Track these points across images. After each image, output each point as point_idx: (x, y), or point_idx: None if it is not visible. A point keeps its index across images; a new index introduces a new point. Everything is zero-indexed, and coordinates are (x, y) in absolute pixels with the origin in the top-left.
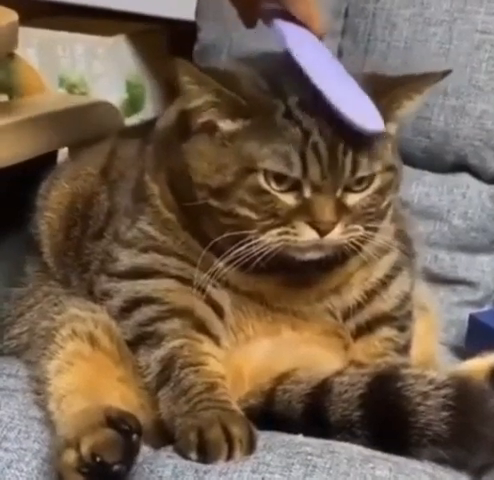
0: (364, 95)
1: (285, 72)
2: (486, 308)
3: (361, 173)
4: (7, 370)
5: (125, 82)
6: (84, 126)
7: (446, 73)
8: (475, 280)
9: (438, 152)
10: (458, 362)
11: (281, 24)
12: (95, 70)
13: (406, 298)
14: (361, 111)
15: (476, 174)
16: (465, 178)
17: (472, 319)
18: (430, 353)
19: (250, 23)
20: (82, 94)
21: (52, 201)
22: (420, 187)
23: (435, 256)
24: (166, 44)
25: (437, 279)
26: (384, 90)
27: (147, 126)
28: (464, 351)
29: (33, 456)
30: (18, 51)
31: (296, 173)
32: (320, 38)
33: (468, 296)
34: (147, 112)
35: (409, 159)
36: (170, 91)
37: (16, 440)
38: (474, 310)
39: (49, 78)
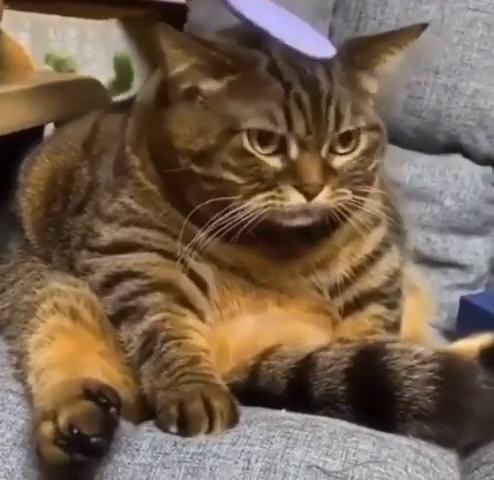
0: (312, 30)
1: (259, 36)
2: (478, 291)
3: (345, 126)
4: None
5: (113, 60)
6: (69, 102)
7: (424, 26)
8: (467, 263)
9: (430, 132)
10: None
11: None
12: (86, 54)
13: (396, 274)
14: (312, 43)
15: (468, 155)
16: (457, 159)
17: (463, 301)
18: (419, 331)
19: None
20: (70, 71)
21: (33, 177)
22: (412, 168)
23: (427, 238)
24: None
25: (429, 262)
26: (363, 47)
27: (130, 101)
28: (454, 335)
29: (8, 428)
30: (10, 34)
31: (281, 129)
32: None
33: (460, 279)
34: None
35: (400, 139)
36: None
37: None
38: (465, 293)
39: (38, 57)
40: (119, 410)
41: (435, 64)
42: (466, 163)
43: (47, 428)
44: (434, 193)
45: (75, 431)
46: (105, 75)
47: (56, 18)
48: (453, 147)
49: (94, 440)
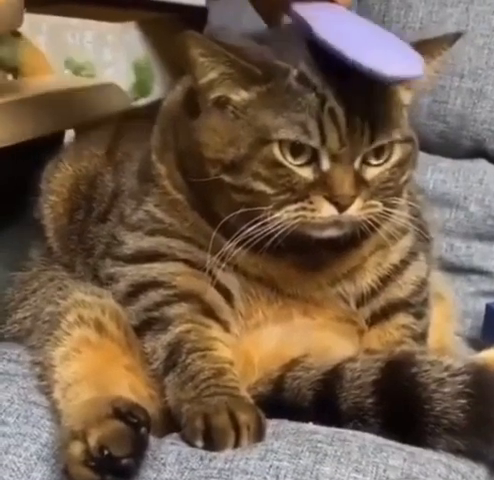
0: (403, 44)
1: (290, 43)
2: None
3: (380, 140)
4: (8, 355)
5: (132, 64)
6: (90, 107)
7: (458, 35)
8: (492, 269)
9: (454, 137)
10: (474, 354)
11: (299, 9)
12: (105, 57)
13: (423, 284)
14: (389, 59)
15: None
16: (482, 164)
17: (489, 309)
18: (446, 342)
19: (275, 23)
20: (89, 76)
21: (55, 184)
22: (436, 173)
23: (451, 245)
24: (177, 31)
25: (452, 268)
26: None
27: (153, 107)
28: (480, 343)
29: (32, 441)
30: (28, 38)
31: (314, 141)
32: (348, 8)
33: (484, 286)
34: (155, 96)
35: (424, 144)
36: (178, 75)
37: (15, 425)
38: (490, 300)
39: (57, 62)
40: (149, 429)
41: (460, 68)
42: (491, 168)
43: (76, 448)
44: (458, 199)
45: (106, 452)
46: (124, 79)
47: (74, 21)
48: (478, 152)
49: (125, 462)
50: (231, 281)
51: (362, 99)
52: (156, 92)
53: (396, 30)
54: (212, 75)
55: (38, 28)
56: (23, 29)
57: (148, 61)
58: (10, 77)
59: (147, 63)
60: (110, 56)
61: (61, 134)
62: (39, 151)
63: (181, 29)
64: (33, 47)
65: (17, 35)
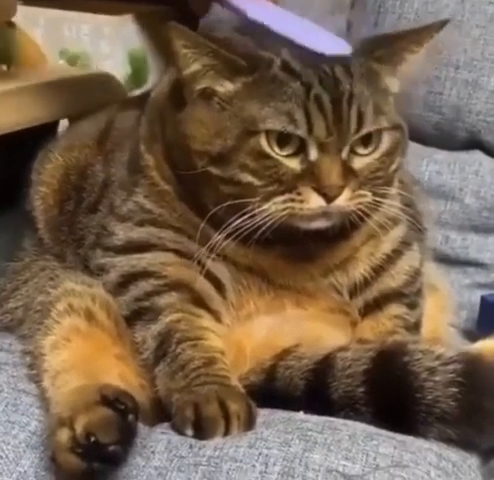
0: (323, 29)
1: (269, 33)
2: None
3: (367, 127)
4: None
5: (129, 57)
6: (84, 97)
7: (445, 22)
8: (487, 261)
9: (450, 128)
10: (469, 346)
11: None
12: (101, 49)
13: (416, 274)
14: (325, 42)
15: (489, 151)
16: (478, 155)
17: (484, 301)
18: (439, 332)
19: (203, 11)
20: (84, 66)
21: (46, 175)
22: (431, 165)
23: (446, 237)
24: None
25: (448, 261)
26: (383, 45)
27: (145, 97)
28: (475, 335)
29: (21, 429)
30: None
31: (301, 130)
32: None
33: (480, 278)
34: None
35: (420, 136)
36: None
37: (3, 413)
38: (486, 292)
39: (53, 55)
40: (137, 417)
41: (455, 59)
42: (487, 160)
43: (63, 435)
44: (454, 190)
45: (92, 439)
46: (120, 71)
47: (71, 14)
48: (473, 143)
49: (112, 448)
50: (222, 271)
51: (348, 86)
52: (151, 83)
53: (392, 21)
54: (195, 67)
55: (35, 21)
56: (20, 22)
57: (144, 54)
58: (4, 67)
59: (143, 56)
60: (107, 49)
61: (55, 124)
62: (33, 141)
63: (177, 22)
64: (27, 37)
65: (11, 26)
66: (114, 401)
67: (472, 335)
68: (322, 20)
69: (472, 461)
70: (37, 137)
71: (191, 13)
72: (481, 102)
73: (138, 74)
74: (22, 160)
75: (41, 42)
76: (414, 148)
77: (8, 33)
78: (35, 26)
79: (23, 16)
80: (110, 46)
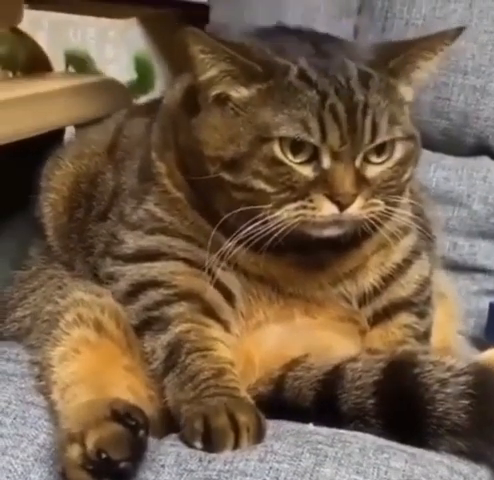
0: None
1: (290, 40)
2: None
3: (381, 137)
4: (6, 354)
5: (134, 61)
6: (91, 104)
7: (460, 30)
8: None
9: (458, 134)
10: (477, 353)
11: None
12: (106, 53)
13: (425, 283)
14: None
15: None
16: (486, 161)
17: (492, 308)
18: (449, 341)
19: None
20: (90, 72)
21: (55, 182)
22: (439, 171)
23: (454, 243)
24: (178, 28)
25: (455, 267)
26: (397, 53)
27: (154, 104)
28: (483, 342)
29: (29, 442)
30: (28, 34)
31: (315, 138)
32: None
33: (488, 285)
34: (157, 92)
35: (427, 142)
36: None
37: (12, 425)
38: None
39: (58, 59)
40: (147, 432)
41: (463, 65)
42: None
43: (74, 452)
44: (461, 196)
45: (104, 456)
46: (125, 75)
47: (75, 17)
48: (481, 149)
49: (123, 465)
50: (232, 281)
51: (363, 96)
52: (158, 88)
53: (399, 26)
54: (212, 72)
55: (39, 24)
56: (24, 26)
57: (149, 57)
58: (10, 74)
59: (149, 59)
60: (112, 52)
61: (61, 131)
62: (39, 149)
63: (182, 26)
64: (33, 44)
65: (17, 32)
66: (124, 417)
67: (480, 342)
68: (329, 25)
69: (482, 473)
70: (43, 145)
71: (196, 16)
72: (489, 108)
73: (144, 80)
74: (28, 167)
75: (45, 46)
76: (422, 154)
77: (14, 40)
78: (39, 29)
79: (27, 20)
80: (115, 49)
